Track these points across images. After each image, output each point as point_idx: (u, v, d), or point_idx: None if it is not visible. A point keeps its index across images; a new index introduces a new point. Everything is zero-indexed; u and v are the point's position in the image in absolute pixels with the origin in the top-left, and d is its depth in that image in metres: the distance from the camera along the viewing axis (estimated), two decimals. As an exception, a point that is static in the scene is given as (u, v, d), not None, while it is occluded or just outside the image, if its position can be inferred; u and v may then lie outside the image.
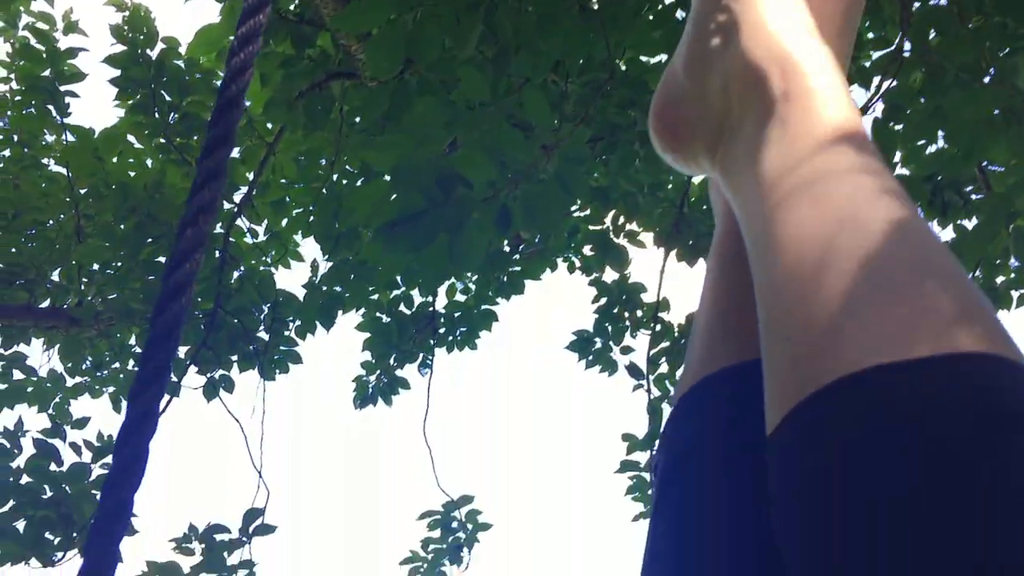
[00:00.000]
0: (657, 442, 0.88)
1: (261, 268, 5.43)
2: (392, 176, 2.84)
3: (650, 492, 4.20)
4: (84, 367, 5.35)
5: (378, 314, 5.94)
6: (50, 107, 5.14)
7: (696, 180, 5.21)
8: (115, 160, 5.28)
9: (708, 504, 0.72)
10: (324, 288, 5.41)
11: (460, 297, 6.30)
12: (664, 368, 5.28)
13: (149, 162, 5.52)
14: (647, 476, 5.29)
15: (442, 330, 6.07)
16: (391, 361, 6.01)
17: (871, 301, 0.53)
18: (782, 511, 0.54)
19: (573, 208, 6.04)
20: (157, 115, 4.95)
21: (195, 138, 5.07)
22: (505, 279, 6.17)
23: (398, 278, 5.87)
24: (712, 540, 0.69)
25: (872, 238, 0.57)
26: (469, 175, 2.88)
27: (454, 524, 5.62)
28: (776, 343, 0.59)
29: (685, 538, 0.71)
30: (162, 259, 5.03)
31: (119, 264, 5.07)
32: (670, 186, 5.31)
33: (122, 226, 4.91)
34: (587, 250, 6.03)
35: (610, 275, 5.81)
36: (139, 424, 0.79)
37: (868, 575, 0.45)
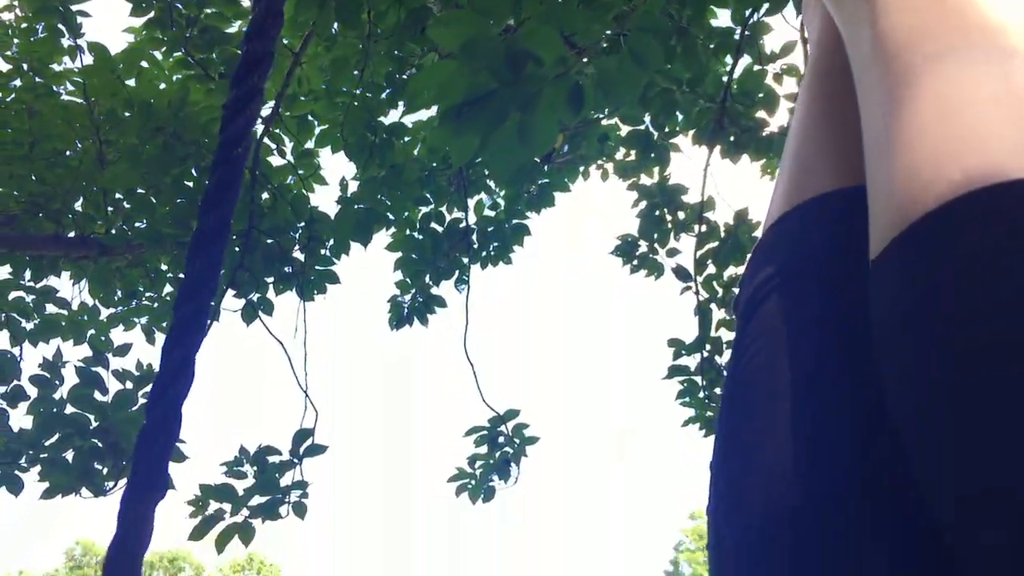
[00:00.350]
0: (737, 292, 0.85)
1: (292, 188, 5.26)
2: (459, 55, 2.67)
3: (701, 395, 4.09)
4: (116, 298, 5.22)
5: (409, 232, 5.82)
6: (61, 27, 4.92)
7: (737, 72, 5.04)
8: (134, 82, 5.09)
9: (800, 327, 0.69)
10: (357, 206, 5.28)
11: (490, 213, 6.18)
12: (711, 269, 5.16)
13: (163, 86, 5.33)
14: (698, 380, 5.20)
15: (475, 246, 5.95)
16: (426, 279, 5.89)
17: (1002, 122, 0.50)
18: (889, 334, 0.53)
19: (601, 115, 5.89)
20: (175, 29, 4.75)
21: (215, 52, 4.87)
22: (535, 191, 6.05)
23: (428, 194, 5.75)
24: (804, 363, 0.66)
25: (1008, 62, 0.53)
26: (537, 50, 2.72)
27: (501, 439, 5.54)
28: (888, 160, 0.56)
29: (775, 362, 0.68)
30: (190, 183, 4.87)
31: (146, 189, 4.91)
32: (708, 81, 5.14)
33: (147, 148, 4.74)
34: (619, 156, 5.88)
35: (646, 179, 5.67)
36: (174, 378, 0.72)
37: (987, 398, 0.43)
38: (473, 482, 5.52)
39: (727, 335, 5.12)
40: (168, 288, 5.10)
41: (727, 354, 5.13)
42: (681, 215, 5.33)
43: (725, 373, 0.77)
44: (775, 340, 0.69)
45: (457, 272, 5.87)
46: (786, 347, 0.68)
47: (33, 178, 5.00)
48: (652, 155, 5.29)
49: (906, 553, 0.54)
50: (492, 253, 5.99)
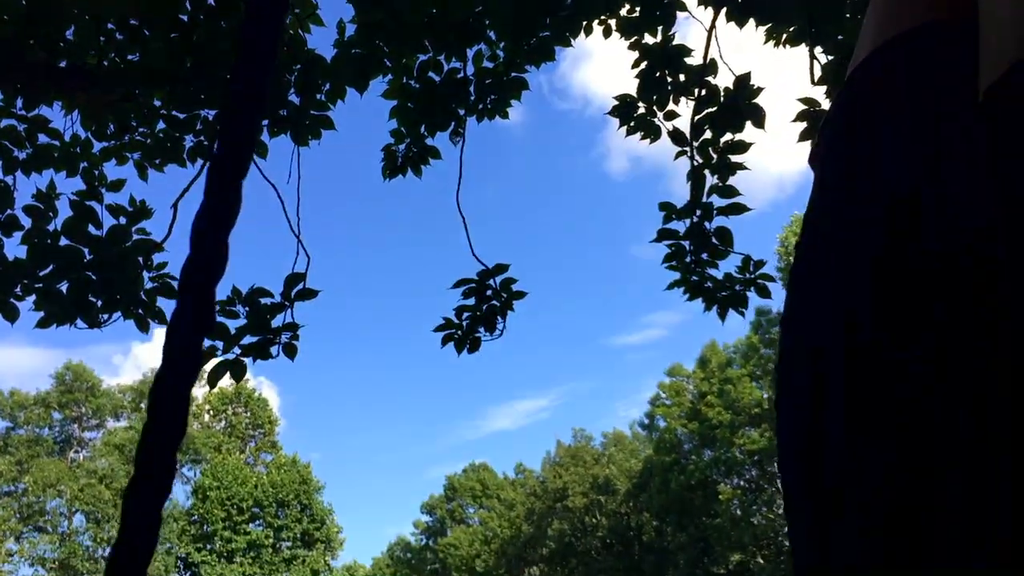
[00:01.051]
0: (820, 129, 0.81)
1: (288, 28, 5.14)
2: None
3: (688, 259, 4.11)
4: (109, 131, 5.18)
5: (406, 80, 5.73)
6: None
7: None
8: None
9: (884, 177, 0.66)
10: (354, 51, 5.18)
11: (488, 65, 6.07)
12: (708, 135, 5.14)
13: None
14: (686, 244, 5.27)
15: (472, 97, 5.88)
16: (421, 130, 5.85)
17: None
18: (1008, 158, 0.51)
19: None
20: None
21: None
22: (535, 43, 5.92)
23: (427, 42, 5.64)
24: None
25: None
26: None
27: (488, 292, 5.64)
28: None
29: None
30: (184, 16, 4.76)
31: (139, 21, 4.80)
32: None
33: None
34: (624, 12, 5.74)
35: (649, 39, 5.55)
36: (207, 263, 0.69)
37: None
38: (459, 332, 5.65)
39: (719, 201, 5.16)
40: (161, 125, 5.05)
41: (717, 220, 5.18)
42: (682, 78, 5.26)
43: (803, 221, 0.76)
44: (858, 189, 0.68)
45: (453, 124, 5.82)
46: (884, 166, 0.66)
47: (23, 1, 4.87)
48: (657, 12, 5.17)
49: None
50: (489, 106, 5.93)
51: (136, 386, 42.38)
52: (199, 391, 43.93)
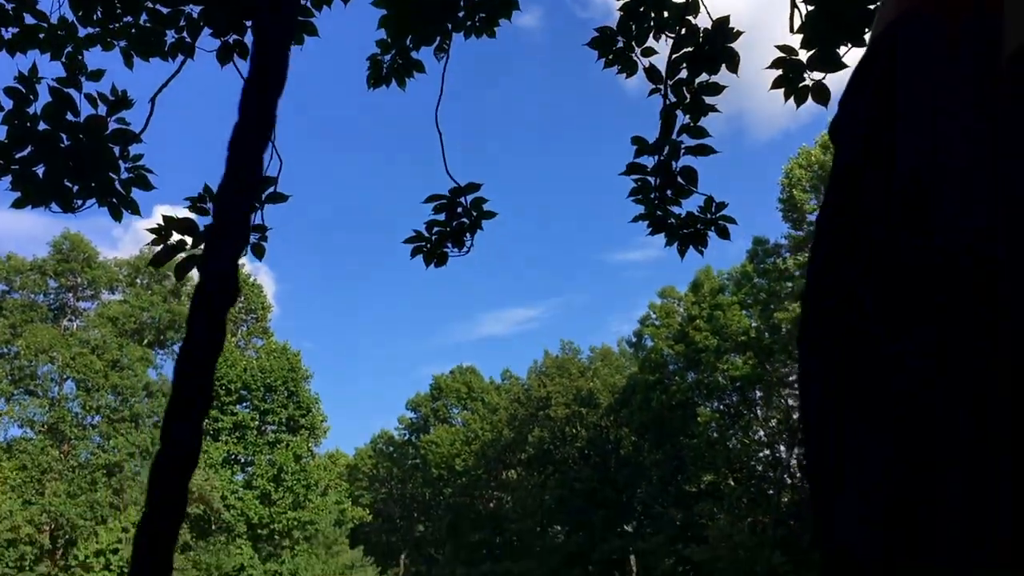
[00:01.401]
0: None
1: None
2: None
3: (653, 196, 4.23)
4: (96, 17, 5.21)
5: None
6: None
7: None
8: None
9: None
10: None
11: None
12: (683, 74, 5.19)
13: None
14: (651, 180, 5.37)
15: (461, 13, 5.89)
16: (407, 42, 5.88)
17: None
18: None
19: None
20: None
21: None
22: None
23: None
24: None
25: None
26: None
27: (459, 209, 5.76)
28: None
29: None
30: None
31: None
32: None
33: None
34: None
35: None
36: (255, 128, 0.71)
37: None
38: (428, 246, 5.79)
39: (688, 140, 5.24)
40: (144, 17, 5.08)
41: (684, 159, 5.28)
42: (665, 14, 5.27)
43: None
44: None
45: (438, 39, 5.85)
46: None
47: None
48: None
49: None
50: (478, 24, 5.94)
51: (132, 261, 42.64)
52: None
